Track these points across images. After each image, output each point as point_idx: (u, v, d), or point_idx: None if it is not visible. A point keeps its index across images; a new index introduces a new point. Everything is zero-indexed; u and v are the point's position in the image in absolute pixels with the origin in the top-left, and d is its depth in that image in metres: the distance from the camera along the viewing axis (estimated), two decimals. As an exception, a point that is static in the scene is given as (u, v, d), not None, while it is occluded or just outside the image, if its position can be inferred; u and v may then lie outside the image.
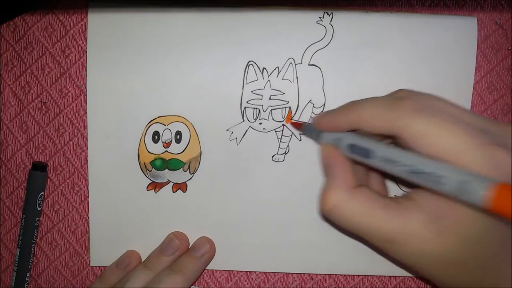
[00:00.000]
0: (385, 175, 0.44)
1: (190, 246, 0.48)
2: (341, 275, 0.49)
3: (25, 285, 0.49)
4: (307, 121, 0.46)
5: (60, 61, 0.48)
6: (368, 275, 0.49)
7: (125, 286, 0.45)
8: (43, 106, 0.48)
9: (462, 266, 0.35)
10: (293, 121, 0.46)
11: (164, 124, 0.47)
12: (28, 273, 0.49)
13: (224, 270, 0.49)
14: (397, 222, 0.35)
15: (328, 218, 0.39)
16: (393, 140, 0.38)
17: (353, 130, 0.39)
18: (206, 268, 0.49)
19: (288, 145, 0.47)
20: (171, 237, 0.48)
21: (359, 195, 0.37)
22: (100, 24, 0.46)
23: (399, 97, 0.36)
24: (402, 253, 0.37)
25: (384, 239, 0.36)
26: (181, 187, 0.47)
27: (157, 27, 0.46)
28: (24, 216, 0.47)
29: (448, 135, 0.32)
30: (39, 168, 0.47)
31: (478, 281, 0.36)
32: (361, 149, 0.37)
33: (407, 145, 0.34)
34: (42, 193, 0.48)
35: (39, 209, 0.48)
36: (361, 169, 0.41)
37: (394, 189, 0.46)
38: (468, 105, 0.47)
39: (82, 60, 0.47)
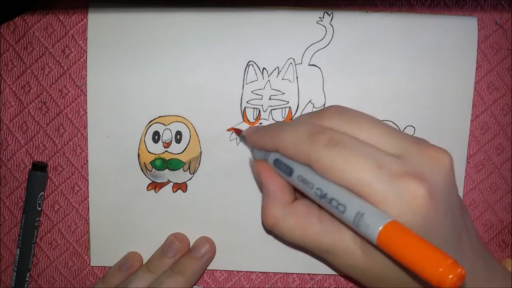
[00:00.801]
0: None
1: (190, 246, 0.48)
2: (341, 275, 0.49)
3: (25, 285, 0.49)
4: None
5: (60, 61, 0.48)
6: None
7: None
8: (43, 106, 0.48)
9: (389, 283, 0.37)
10: (234, 127, 0.47)
11: (164, 124, 0.47)
12: (28, 273, 0.49)
13: (224, 270, 0.49)
14: (331, 236, 0.37)
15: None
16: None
17: None
18: (210, 269, 0.49)
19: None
20: (171, 239, 0.48)
21: (295, 210, 0.39)
22: (100, 24, 0.46)
23: (316, 131, 0.36)
24: (337, 263, 0.39)
25: (321, 250, 0.38)
26: (181, 187, 0.47)
27: (157, 27, 0.46)
28: (24, 216, 0.47)
29: (356, 168, 0.33)
30: (39, 168, 0.47)
31: None
32: (284, 165, 0.38)
33: (321, 175, 0.35)
34: (42, 193, 0.48)
35: (39, 209, 0.48)
36: None
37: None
38: (468, 105, 0.47)
39: (82, 60, 0.47)
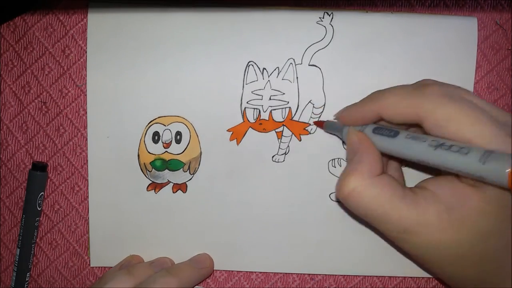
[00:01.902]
0: (403, 164, 0.46)
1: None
2: (341, 275, 0.49)
3: (25, 285, 0.49)
4: (330, 119, 0.46)
5: (60, 61, 0.48)
6: (368, 275, 0.49)
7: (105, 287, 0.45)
8: (43, 106, 0.48)
9: (471, 259, 0.36)
10: (316, 120, 0.46)
11: (164, 125, 0.47)
12: (28, 273, 0.49)
13: (224, 270, 0.49)
14: (414, 212, 0.35)
15: (344, 202, 0.39)
16: (415, 130, 0.38)
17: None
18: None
19: (288, 146, 0.47)
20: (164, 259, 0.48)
21: (380, 182, 0.37)
22: (100, 24, 0.46)
23: (424, 84, 0.36)
24: (415, 243, 0.37)
25: (399, 229, 0.36)
26: (181, 187, 0.47)
27: (157, 27, 0.46)
28: (24, 216, 0.47)
29: (475, 122, 0.32)
30: (39, 168, 0.47)
31: (484, 276, 0.36)
32: (386, 130, 0.38)
33: (431, 132, 0.35)
34: (42, 193, 0.48)
35: (39, 209, 0.48)
36: (382, 158, 0.40)
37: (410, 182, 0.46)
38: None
39: (82, 60, 0.47)
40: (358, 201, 0.37)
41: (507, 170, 0.29)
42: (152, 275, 0.45)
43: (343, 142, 0.46)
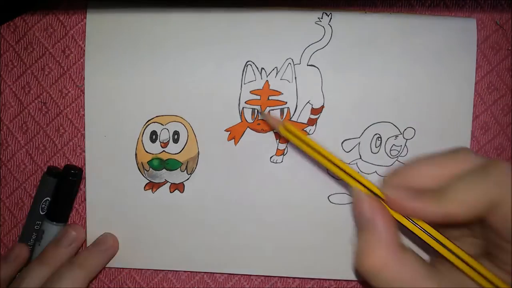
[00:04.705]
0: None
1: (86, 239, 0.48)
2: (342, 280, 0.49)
3: None
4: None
5: (60, 61, 0.48)
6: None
7: (21, 286, 0.44)
8: (43, 107, 0.48)
9: None
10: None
11: (162, 124, 0.47)
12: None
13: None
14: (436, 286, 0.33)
15: (366, 277, 0.34)
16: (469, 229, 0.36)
17: None
18: (206, 271, 0.49)
19: (286, 146, 0.46)
20: (66, 228, 0.47)
21: (407, 258, 0.34)
22: (99, 24, 0.46)
23: (489, 161, 0.32)
24: None
25: None
26: (178, 187, 0.47)
27: (155, 27, 0.46)
28: (27, 218, 0.48)
29: None
30: (52, 174, 0.47)
31: None
32: None
33: (499, 224, 0.31)
34: (48, 198, 0.48)
35: (41, 213, 0.47)
36: None
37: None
38: (469, 106, 0.46)
39: (82, 60, 0.47)
40: (387, 279, 0.33)
41: None
42: (58, 271, 0.44)
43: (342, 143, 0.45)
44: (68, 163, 0.48)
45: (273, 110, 0.46)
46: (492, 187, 0.31)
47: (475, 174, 0.32)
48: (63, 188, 0.47)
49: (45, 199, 0.47)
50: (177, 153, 0.47)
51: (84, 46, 0.47)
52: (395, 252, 0.33)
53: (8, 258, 0.46)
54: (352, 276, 0.48)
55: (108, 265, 0.48)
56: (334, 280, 0.49)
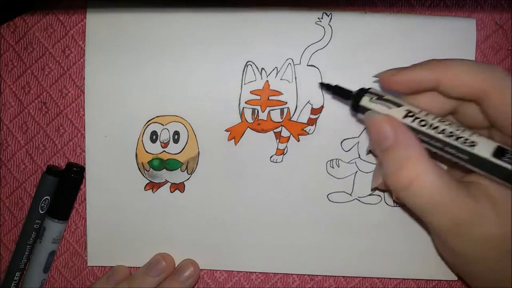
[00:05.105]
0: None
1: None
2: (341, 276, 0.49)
3: (12, 284, 0.48)
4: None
5: (60, 61, 0.48)
6: (367, 277, 0.49)
7: None
8: (43, 107, 0.48)
9: None
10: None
11: (162, 124, 0.47)
12: (19, 273, 0.49)
13: (224, 270, 0.49)
14: (472, 203, 0.34)
15: (402, 193, 0.35)
16: (455, 114, 0.38)
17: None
18: (206, 269, 0.49)
19: (286, 146, 0.46)
20: (158, 258, 0.48)
21: (437, 168, 0.34)
22: (99, 24, 0.46)
23: (487, 63, 0.35)
24: (467, 237, 0.35)
25: (455, 221, 0.34)
26: (178, 187, 0.47)
27: (155, 27, 0.46)
28: (26, 216, 0.48)
29: None
30: (52, 173, 0.47)
31: None
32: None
33: (488, 111, 0.34)
34: (48, 197, 0.48)
35: (41, 212, 0.48)
36: None
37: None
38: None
39: (82, 60, 0.47)
40: (421, 190, 0.34)
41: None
42: None
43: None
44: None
45: (273, 110, 0.46)
46: (483, 77, 0.34)
47: (475, 63, 0.35)
48: (65, 185, 0.47)
49: (44, 197, 0.47)
50: (178, 153, 0.47)
51: (84, 46, 0.47)
52: (428, 162, 0.34)
53: (110, 278, 0.48)
54: (352, 273, 0.48)
55: (108, 264, 0.49)
56: (333, 276, 0.49)
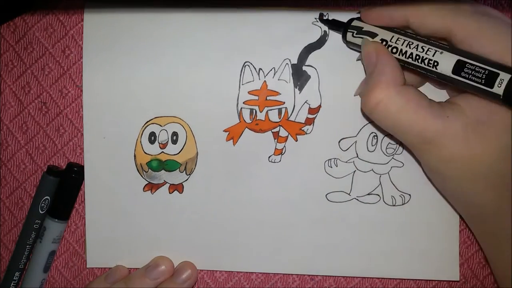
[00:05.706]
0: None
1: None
2: (340, 276, 0.49)
3: (11, 284, 0.49)
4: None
5: (60, 61, 0.48)
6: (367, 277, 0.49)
7: None
8: (43, 107, 0.48)
9: (492, 179, 0.37)
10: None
11: (160, 125, 0.47)
12: (18, 273, 0.49)
13: (224, 271, 0.49)
14: (441, 123, 0.36)
15: (370, 115, 0.39)
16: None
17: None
18: (206, 269, 0.49)
19: (284, 146, 0.47)
20: (157, 261, 0.48)
21: (407, 92, 0.37)
22: (97, 24, 0.46)
23: (457, 1, 0.36)
24: (438, 156, 0.37)
25: (423, 140, 0.37)
26: (177, 188, 0.47)
27: (153, 28, 0.46)
28: (26, 216, 0.48)
29: (506, 38, 0.34)
30: (52, 173, 0.48)
31: (501, 204, 0.37)
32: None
33: (458, 46, 0.36)
34: (48, 197, 0.48)
35: (41, 212, 0.48)
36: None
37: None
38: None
39: (82, 60, 0.47)
40: (385, 112, 0.37)
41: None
42: None
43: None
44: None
45: (271, 110, 0.46)
46: (451, 15, 0.36)
47: (443, 3, 0.37)
48: (66, 185, 0.48)
49: (44, 197, 0.47)
50: (176, 154, 0.47)
51: (84, 46, 0.47)
52: (393, 88, 0.37)
53: (109, 277, 0.48)
54: (351, 273, 0.48)
55: (107, 266, 0.49)
56: (333, 276, 0.49)
